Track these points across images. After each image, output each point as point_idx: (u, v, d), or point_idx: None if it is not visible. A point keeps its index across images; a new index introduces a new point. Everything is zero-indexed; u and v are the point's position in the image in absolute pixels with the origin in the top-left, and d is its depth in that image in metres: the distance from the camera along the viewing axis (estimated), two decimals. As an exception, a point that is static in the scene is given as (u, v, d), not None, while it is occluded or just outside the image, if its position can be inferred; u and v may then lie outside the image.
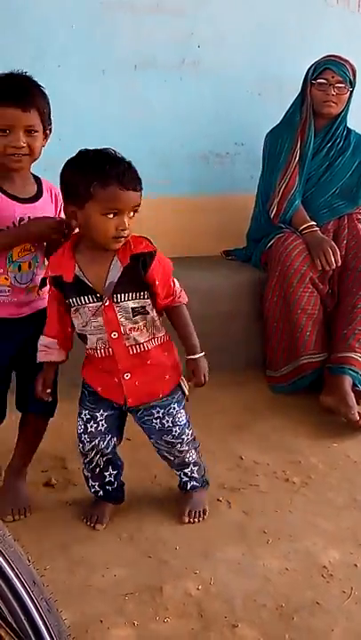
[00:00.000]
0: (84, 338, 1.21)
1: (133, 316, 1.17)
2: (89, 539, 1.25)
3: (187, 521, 1.30)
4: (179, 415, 1.26)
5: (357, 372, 1.77)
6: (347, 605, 1.11)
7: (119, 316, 1.16)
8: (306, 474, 1.50)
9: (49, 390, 1.26)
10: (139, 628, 1.05)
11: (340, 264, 1.81)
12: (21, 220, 1.23)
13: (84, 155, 1.13)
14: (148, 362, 1.21)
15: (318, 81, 1.84)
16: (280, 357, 1.87)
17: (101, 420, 1.25)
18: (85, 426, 1.25)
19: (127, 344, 1.18)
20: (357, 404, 1.73)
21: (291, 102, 1.98)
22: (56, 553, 1.21)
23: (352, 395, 1.72)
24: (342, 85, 1.83)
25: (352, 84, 1.86)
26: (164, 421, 1.26)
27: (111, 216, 1.09)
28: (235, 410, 1.79)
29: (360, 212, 1.96)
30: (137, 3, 1.97)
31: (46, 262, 1.29)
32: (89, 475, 1.31)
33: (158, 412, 1.25)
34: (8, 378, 1.33)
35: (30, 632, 0.70)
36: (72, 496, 1.39)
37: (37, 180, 1.31)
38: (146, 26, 1.99)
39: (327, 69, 1.82)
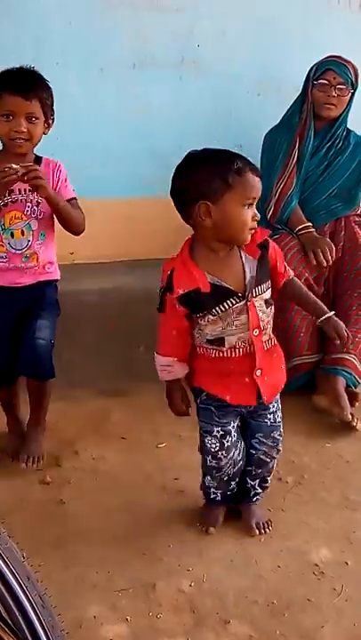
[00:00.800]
0: (218, 341, 1.15)
1: (267, 308, 1.16)
2: (83, 536, 1.26)
3: (258, 533, 1.29)
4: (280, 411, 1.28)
5: (351, 373, 1.78)
6: (337, 603, 1.13)
7: (259, 311, 1.15)
8: (299, 473, 1.52)
9: (189, 406, 1.25)
10: (132, 624, 1.07)
11: (331, 262, 1.81)
12: (11, 192, 1.36)
13: (200, 154, 1.10)
14: (274, 355, 1.21)
15: (320, 82, 1.84)
16: (275, 358, 1.89)
17: (235, 432, 1.22)
18: (221, 442, 1.21)
19: (264, 339, 1.17)
20: (351, 404, 1.75)
21: (290, 103, 1.98)
22: (50, 549, 1.22)
23: (345, 395, 1.73)
24: (343, 87, 1.82)
25: (354, 86, 1.86)
26: (276, 416, 1.26)
27: (247, 207, 1.08)
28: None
29: (357, 215, 1.97)
30: (136, 0, 1.96)
31: (45, 232, 1.41)
32: (214, 484, 1.27)
33: (273, 407, 1.24)
34: (7, 347, 1.42)
35: (24, 627, 0.71)
36: (67, 494, 1.39)
37: (38, 159, 1.43)
38: (145, 24, 1.99)
39: (329, 70, 1.82)
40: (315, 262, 1.81)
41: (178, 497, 1.40)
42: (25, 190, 1.38)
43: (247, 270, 1.14)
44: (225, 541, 1.28)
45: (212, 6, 2.04)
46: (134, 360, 1.96)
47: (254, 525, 1.29)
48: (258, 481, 1.31)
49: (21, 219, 1.38)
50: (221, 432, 1.21)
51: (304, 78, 1.91)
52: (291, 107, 1.96)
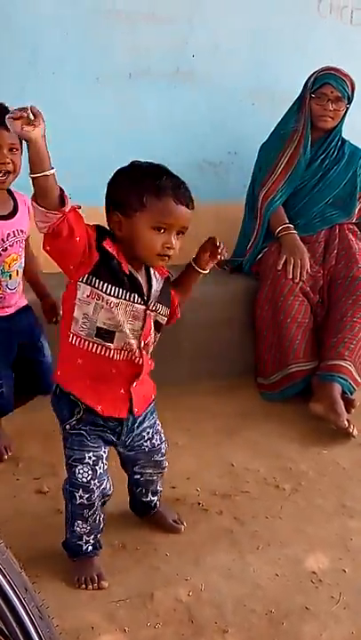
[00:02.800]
0: (108, 335, 1.05)
1: (155, 328, 1.12)
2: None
3: (182, 528, 1.29)
4: (161, 429, 1.22)
5: (347, 380, 1.79)
6: (335, 610, 1.13)
7: (152, 326, 1.11)
8: (296, 480, 1.52)
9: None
10: (130, 635, 1.06)
11: (300, 279, 1.83)
12: (8, 235, 1.36)
13: (137, 165, 1.07)
14: (147, 374, 1.16)
15: (317, 94, 1.86)
16: (271, 365, 1.90)
17: (105, 459, 1.13)
18: (93, 469, 1.10)
19: (149, 355, 1.13)
20: (347, 411, 1.76)
21: (283, 112, 2.01)
22: (48, 560, 1.21)
23: (341, 402, 1.74)
24: (340, 101, 1.86)
25: (350, 100, 1.89)
26: (153, 441, 1.20)
27: (161, 231, 1.02)
28: (226, 416, 1.81)
29: (352, 223, 1.99)
30: (132, 11, 1.99)
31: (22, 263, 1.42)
32: (86, 529, 1.15)
33: (148, 434, 1.19)
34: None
35: (22, 639, 0.71)
36: (64, 503, 1.39)
37: (11, 194, 1.41)
38: (141, 34, 2.01)
39: (327, 84, 1.84)
40: (290, 276, 1.82)
41: (175, 505, 1.39)
42: (17, 232, 1.39)
43: (154, 284, 1.10)
44: (222, 550, 1.27)
45: (206, 18, 2.08)
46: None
47: (173, 523, 1.29)
48: (151, 493, 1.27)
49: (17, 260, 1.40)
50: (94, 458, 1.10)
51: (301, 88, 1.94)
52: (284, 117, 1.98)
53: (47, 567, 1.19)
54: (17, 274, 1.40)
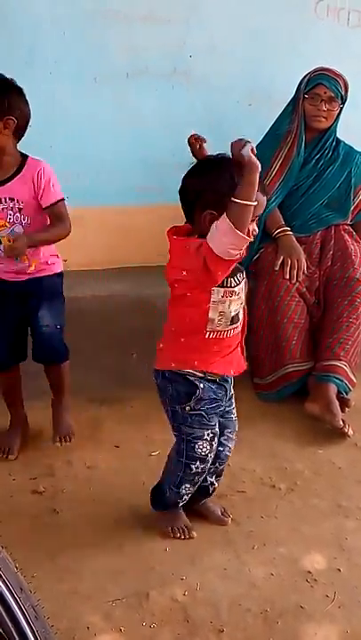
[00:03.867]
0: (236, 318, 1.18)
1: None
2: (77, 546, 1.26)
3: (230, 520, 1.34)
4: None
5: (342, 380, 1.80)
6: (330, 609, 1.14)
7: None
8: (292, 480, 1.53)
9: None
10: (125, 634, 1.06)
11: (297, 280, 1.85)
12: None
13: (220, 162, 1.10)
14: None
15: (311, 95, 1.87)
16: (267, 365, 1.90)
17: (217, 430, 1.25)
18: (211, 445, 1.23)
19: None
20: (342, 411, 1.76)
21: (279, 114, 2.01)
22: (44, 560, 1.21)
23: (337, 402, 1.75)
24: (334, 101, 1.86)
25: (343, 100, 1.89)
26: (235, 411, 1.31)
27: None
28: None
29: (347, 224, 1.99)
30: (129, 11, 1.99)
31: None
32: (191, 490, 1.28)
33: (232, 404, 1.30)
34: (23, 333, 1.54)
35: (18, 639, 0.71)
36: (60, 503, 1.39)
37: (24, 158, 1.46)
38: (138, 34, 2.01)
39: (320, 84, 1.84)
40: (287, 277, 1.84)
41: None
42: (6, 199, 1.42)
43: None
44: (218, 549, 1.28)
45: (204, 18, 2.08)
46: (127, 368, 1.97)
47: (221, 515, 1.35)
48: (216, 476, 1.34)
49: (5, 226, 1.43)
50: (211, 434, 1.23)
51: (295, 89, 1.94)
52: (278, 118, 1.98)
53: (43, 567, 1.19)
54: (8, 240, 1.42)
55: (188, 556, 1.25)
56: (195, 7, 2.05)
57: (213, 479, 1.34)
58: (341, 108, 1.91)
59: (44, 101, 1.99)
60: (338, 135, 1.97)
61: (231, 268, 1.10)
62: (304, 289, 1.88)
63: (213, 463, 1.30)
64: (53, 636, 0.79)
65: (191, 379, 1.19)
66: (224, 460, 1.33)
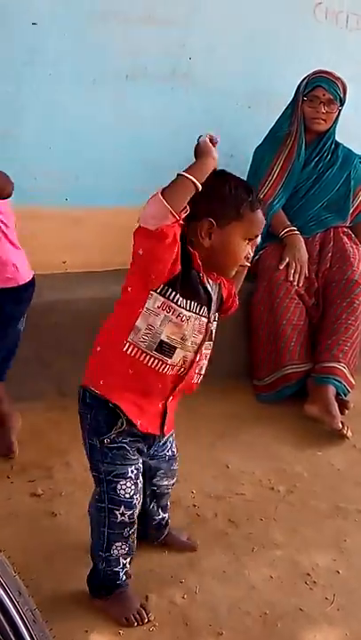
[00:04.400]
0: (169, 350, 1.00)
1: (209, 339, 1.06)
2: (75, 549, 1.25)
3: (196, 546, 1.25)
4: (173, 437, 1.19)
5: (341, 382, 1.80)
6: (329, 612, 1.14)
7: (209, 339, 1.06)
8: (291, 482, 1.52)
9: None
10: (124, 637, 1.06)
11: (297, 284, 1.85)
12: None
13: (226, 174, 1.04)
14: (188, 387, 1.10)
15: (309, 97, 1.88)
16: (266, 367, 1.90)
17: (141, 470, 1.08)
18: (136, 484, 1.05)
19: (197, 368, 1.06)
20: (341, 413, 1.77)
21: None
22: (42, 563, 1.20)
23: (335, 404, 1.75)
24: (333, 104, 1.87)
25: (342, 102, 1.90)
26: (172, 448, 1.17)
27: (247, 242, 1.03)
28: (221, 418, 1.81)
29: (346, 226, 2.00)
30: (129, 13, 1.99)
31: None
32: (125, 550, 1.08)
33: (169, 442, 1.16)
34: None
35: (16, 643, 0.71)
36: (58, 506, 1.38)
37: None
38: (137, 36, 2.01)
39: (319, 87, 1.86)
40: (290, 278, 1.84)
41: (170, 507, 1.39)
42: None
43: (213, 292, 1.06)
44: (217, 552, 1.27)
45: (203, 20, 2.08)
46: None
47: (188, 541, 1.27)
48: (162, 509, 1.22)
49: None
50: (135, 471, 1.05)
51: (294, 91, 1.95)
52: (278, 120, 1.99)
53: (41, 570, 1.18)
54: None
55: (187, 558, 1.25)
56: (194, 9, 2.06)
57: (165, 515, 1.22)
58: (340, 111, 1.92)
59: (44, 102, 1.99)
60: (337, 138, 1.98)
61: (156, 253, 0.94)
62: (303, 291, 1.89)
63: (156, 501, 1.18)
64: (52, 640, 0.78)
65: (113, 409, 1.01)
66: (165, 495, 1.20)
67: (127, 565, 1.11)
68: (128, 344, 1.00)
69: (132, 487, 1.05)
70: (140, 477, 1.07)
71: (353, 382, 1.84)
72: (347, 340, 1.83)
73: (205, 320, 1.04)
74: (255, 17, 2.14)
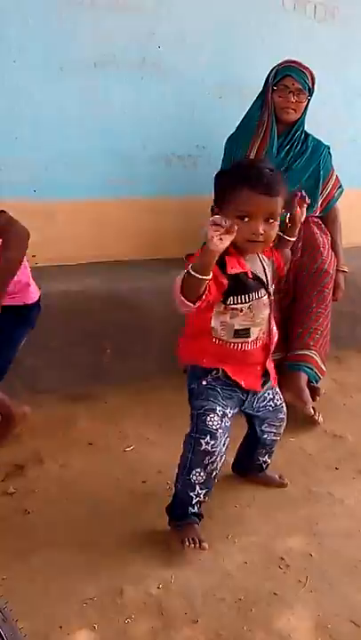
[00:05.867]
0: (244, 332, 1.22)
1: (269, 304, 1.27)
2: (49, 546, 1.24)
3: (287, 481, 1.46)
4: (278, 389, 1.38)
5: (312, 369, 1.84)
6: (302, 594, 1.16)
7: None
8: (265, 469, 1.55)
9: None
10: (99, 631, 1.06)
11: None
12: None
13: (234, 163, 1.26)
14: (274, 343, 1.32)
15: (279, 87, 1.88)
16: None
17: (230, 419, 1.27)
18: (222, 420, 1.24)
19: (273, 328, 1.29)
20: (312, 399, 1.80)
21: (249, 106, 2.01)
22: (15, 562, 1.19)
23: (307, 391, 1.79)
24: (301, 93, 1.88)
25: (310, 92, 1.91)
26: (275, 400, 1.36)
27: (245, 219, 1.14)
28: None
29: (315, 216, 2.02)
30: (96, -1, 1.94)
31: None
32: (202, 479, 1.24)
33: (269, 394, 1.34)
34: None
35: (-16, 643, 0.69)
36: (31, 504, 1.36)
37: None
38: (106, 23, 1.97)
39: (288, 76, 1.86)
40: None
41: (146, 499, 1.40)
42: None
43: (267, 269, 1.25)
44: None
45: (172, 9, 2.05)
46: (100, 363, 1.94)
47: (279, 478, 1.47)
48: (268, 455, 1.44)
49: None
50: (223, 411, 1.25)
51: (263, 82, 1.95)
52: (248, 111, 1.99)
53: (15, 569, 1.16)
54: None
55: (162, 549, 1.25)
56: (162, -3, 2.03)
57: (266, 458, 1.44)
58: (309, 101, 1.93)
59: (8, 91, 1.93)
60: (307, 129, 1.99)
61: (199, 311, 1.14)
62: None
63: (261, 447, 1.40)
64: (22, 638, 0.77)
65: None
66: (271, 444, 1.41)
67: (201, 497, 1.26)
68: (215, 339, 1.23)
69: (218, 421, 1.23)
70: (227, 421, 1.25)
71: (324, 369, 1.88)
72: (318, 328, 1.86)
73: (266, 297, 1.24)
74: (225, 6, 2.12)
